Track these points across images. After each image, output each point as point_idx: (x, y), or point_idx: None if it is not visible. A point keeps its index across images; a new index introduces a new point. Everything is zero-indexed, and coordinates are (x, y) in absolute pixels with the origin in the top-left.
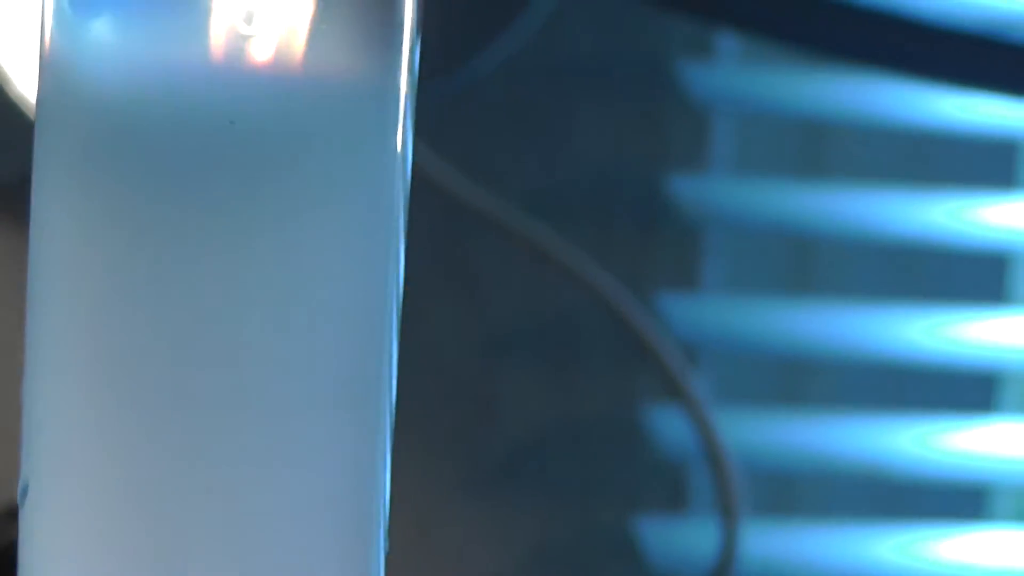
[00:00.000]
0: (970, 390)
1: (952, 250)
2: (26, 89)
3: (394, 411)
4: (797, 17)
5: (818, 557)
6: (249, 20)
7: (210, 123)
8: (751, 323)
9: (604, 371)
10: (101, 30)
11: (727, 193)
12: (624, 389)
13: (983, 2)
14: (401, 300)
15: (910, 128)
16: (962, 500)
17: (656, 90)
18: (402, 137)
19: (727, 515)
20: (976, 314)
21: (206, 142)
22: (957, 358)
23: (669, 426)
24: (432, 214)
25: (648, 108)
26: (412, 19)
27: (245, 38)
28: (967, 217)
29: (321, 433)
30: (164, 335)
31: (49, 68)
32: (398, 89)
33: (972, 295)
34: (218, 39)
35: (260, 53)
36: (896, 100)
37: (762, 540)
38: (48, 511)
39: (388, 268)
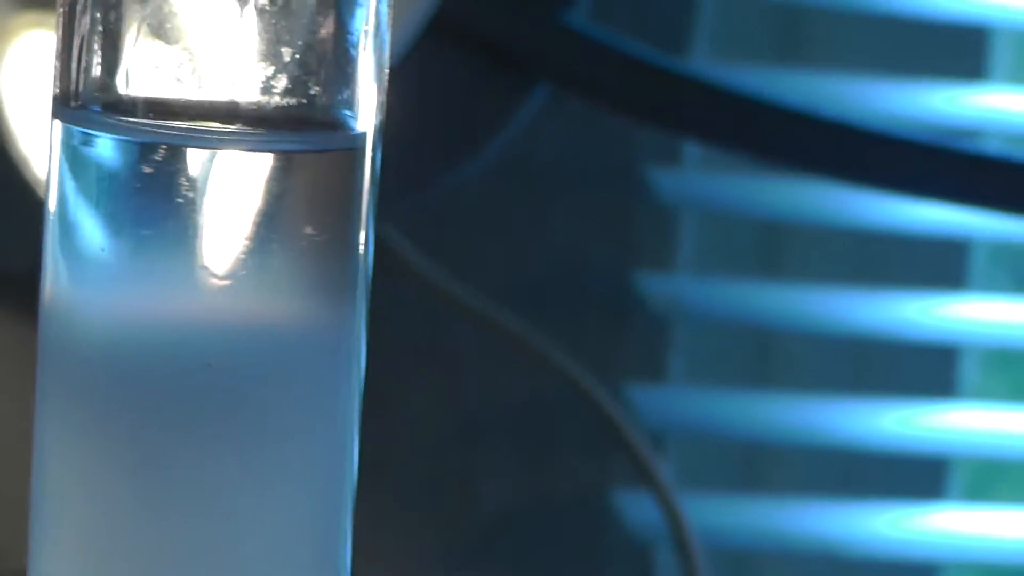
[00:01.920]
0: (921, 475)
1: (904, 344)
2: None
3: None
4: (757, 128)
5: None
6: (223, 274)
7: (191, 363)
8: (714, 412)
9: (575, 455)
10: (94, 285)
11: (692, 289)
12: (594, 473)
13: (938, 109)
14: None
15: (862, 230)
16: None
17: (625, 192)
18: (357, 364)
19: None
20: (927, 404)
21: (188, 380)
22: (907, 444)
23: (637, 508)
24: (413, 304)
25: (617, 208)
26: (364, 273)
27: (220, 292)
28: (918, 313)
29: None
30: (153, 539)
31: (49, 314)
32: (355, 328)
33: (922, 386)
34: (196, 294)
35: (232, 305)
36: (849, 204)
37: None
38: None
39: (345, 475)
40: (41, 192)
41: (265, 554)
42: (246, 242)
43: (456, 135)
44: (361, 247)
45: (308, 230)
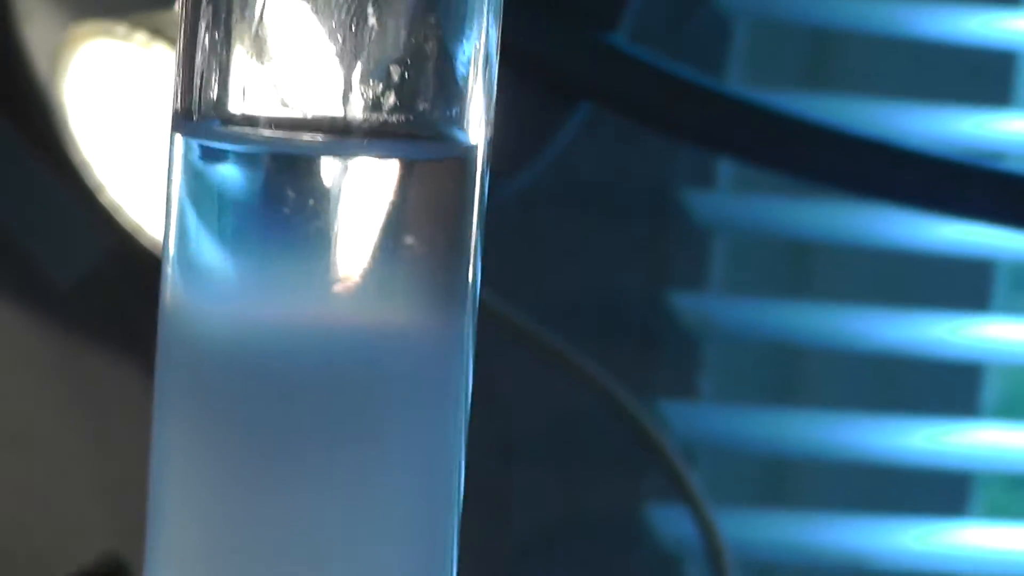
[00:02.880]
0: (946, 491)
1: (929, 362)
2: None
3: None
4: (791, 146)
5: None
6: (343, 280)
7: (304, 369)
8: (744, 428)
9: (609, 471)
10: (217, 293)
11: (723, 309)
12: (628, 488)
13: (964, 132)
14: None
15: (890, 250)
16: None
17: (659, 213)
18: (467, 369)
19: None
20: (951, 422)
21: (310, 383)
22: (932, 460)
23: (669, 523)
24: None
25: (651, 229)
26: (475, 280)
27: (339, 298)
28: (944, 332)
29: None
30: (263, 546)
31: (168, 317)
32: (466, 334)
33: (947, 405)
34: (312, 302)
35: (352, 310)
36: (877, 224)
37: None
38: None
39: (454, 478)
40: (87, 196)
41: (377, 550)
42: (366, 249)
43: (498, 154)
44: (472, 255)
45: (425, 238)
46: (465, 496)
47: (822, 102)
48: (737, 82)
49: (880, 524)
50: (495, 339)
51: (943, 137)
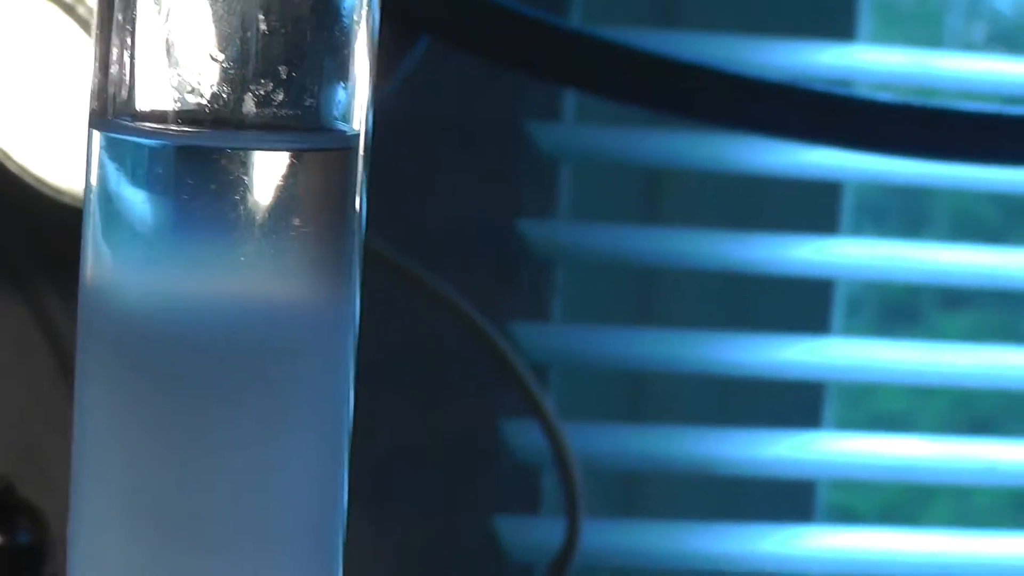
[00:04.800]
0: (798, 401)
1: (780, 281)
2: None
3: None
4: (635, 77)
5: (655, 549)
6: (241, 260)
7: (208, 340)
8: (596, 346)
9: (468, 391)
10: (129, 267)
11: (573, 235)
12: (486, 406)
13: (805, 65)
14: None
15: (736, 174)
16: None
17: (508, 145)
18: (353, 335)
19: (573, 513)
20: (803, 336)
21: (208, 353)
22: (783, 372)
23: (524, 438)
24: None
25: (501, 161)
26: (359, 256)
27: (238, 275)
28: (794, 251)
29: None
30: (174, 494)
31: (87, 295)
32: (352, 305)
33: (798, 319)
34: (214, 281)
35: (245, 287)
36: (723, 149)
37: (604, 534)
38: None
39: (342, 437)
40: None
41: (276, 498)
42: (261, 231)
43: None
44: (357, 234)
45: (314, 220)
46: None
47: (667, 39)
48: (583, 21)
49: (732, 433)
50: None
51: (789, 67)
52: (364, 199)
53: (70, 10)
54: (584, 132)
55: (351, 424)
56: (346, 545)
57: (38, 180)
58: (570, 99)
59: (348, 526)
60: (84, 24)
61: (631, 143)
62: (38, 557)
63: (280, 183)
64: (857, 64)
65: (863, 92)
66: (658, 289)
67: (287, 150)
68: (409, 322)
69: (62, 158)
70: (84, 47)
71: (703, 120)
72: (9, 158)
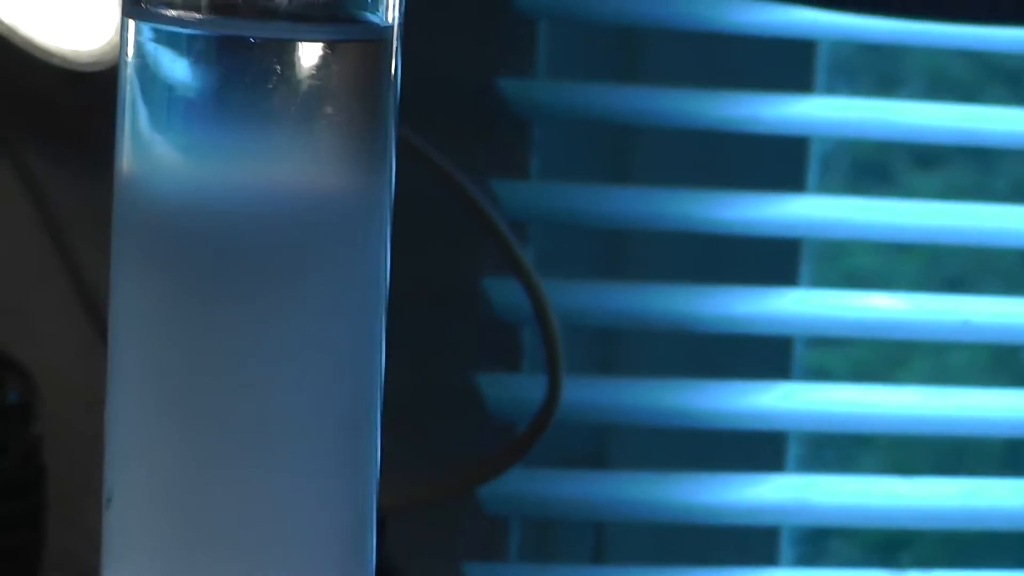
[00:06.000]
0: (772, 262)
1: (753, 137)
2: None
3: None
4: None
5: (634, 405)
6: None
7: (247, 226)
8: (573, 204)
9: (447, 248)
10: (164, 155)
11: (550, 93)
12: (467, 263)
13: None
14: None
15: (713, 33)
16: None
17: (486, 4)
18: (388, 221)
19: (554, 370)
20: (775, 196)
21: (245, 242)
22: (760, 231)
23: (506, 294)
24: None
25: (479, 19)
26: (391, 145)
27: (276, 163)
28: (769, 111)
29: (325, 447)
30: (212, 378)
31: (125, 182)
32: (385, 193)
33: (772, 179)
34: (251, 169)
35: (282, 175)
36: (700, 6)
37: (584, 391)
38: (126, 512)
39: (375, 329)
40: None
41: (310, 382)
42: (296, 121)
43: None
44: (390, 125)
45: (347, 110)
46: None
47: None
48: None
49: (709, 291)
50: None
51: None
52: (398, 90)
53: None
54: None
55: (386, 307)
56: None
57: (27, 41)
58: None
59: None
60: None
61: (607, 1)
62: (27, 416)
63: (314, 73)
64: None
65: None
66: (637, 146)
67: (322, 40)
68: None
69: (53, 19)
70: None
71: None
72: None
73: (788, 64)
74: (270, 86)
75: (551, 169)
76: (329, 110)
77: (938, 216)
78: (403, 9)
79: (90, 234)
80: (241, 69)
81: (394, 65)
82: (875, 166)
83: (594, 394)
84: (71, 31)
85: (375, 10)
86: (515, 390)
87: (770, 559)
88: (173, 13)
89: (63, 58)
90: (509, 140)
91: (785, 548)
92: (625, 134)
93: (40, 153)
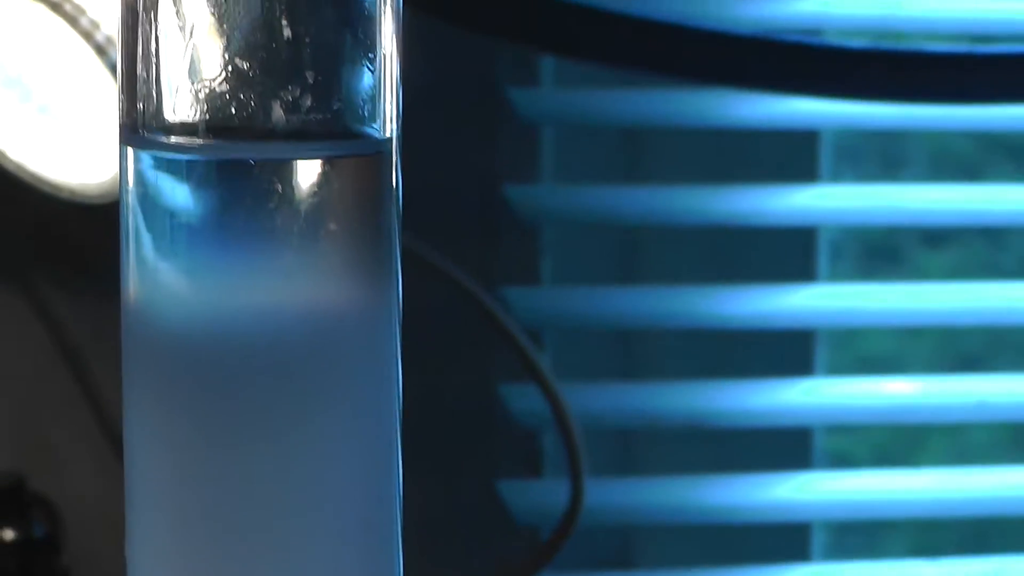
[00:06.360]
0: (789, 350)
1: (760, 232)
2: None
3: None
4: (612, 38)
5: (656, 504)
6: (283, 268)
7: (255, 350)
8: (586, 307)
9: (464, 357)
10: (169, 281)
11: (557, 198)
12: (482, 372)
13: (775, 14)
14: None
15: (714, 127)
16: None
17: (488, 112)
18: (396, 333)
19: (575, 473)
20: (788, 286)
21: (255, 364)
22: (772, 323)
23: (524, 401)
24: None
25: (483, 127)
26: (397, 259)
27: (281, 284)
28: (774, 201)
29: (345, 566)
30: (228, 505)
31: (130, 317)
32: (392, 308)
33: (781, 269)
34: (256, 292)
35: (288, 297)
36: (701, 104)
37: (606, 493)
38: None
39: (391, 443)
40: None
41: (328, 505)
42: (299, 240)
43: None
44: (393, 236)
45: (350, 226)
46: None
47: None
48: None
49: (723, 386)
50: None
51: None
52: (400, 202)
53: (73, 22)
54: (563, 96)
55: (401, 417)
56: None
57: (35, 177)
58: (547, 64)
59: None
60: (71, 20)
61: (609, 104)
62: (53, 549)
63: (315, 191)
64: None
65: (834, 40)
66: (643, 246)
67: (320, 158)
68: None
69: (59, 154)
70: (72, 44)
71: (679, 76)
72: (6, 156)
73: (792, 154)
74: (272, 206)
75: (561, 273)
76: (332, 226)
77: (949, 296)
78: (400, 120)
79: (108, 364)
80: (242, 191)
81: (395, 177)
82: (884, 249)
83: (617, 495)
84: (77, 165)
85: (373, 123)
86: (537, 495)
87: None
88: (171, 140)
89: (71, 191)
90: (518, 246)
91: None
92: (633, 233)
93: (56, 285)
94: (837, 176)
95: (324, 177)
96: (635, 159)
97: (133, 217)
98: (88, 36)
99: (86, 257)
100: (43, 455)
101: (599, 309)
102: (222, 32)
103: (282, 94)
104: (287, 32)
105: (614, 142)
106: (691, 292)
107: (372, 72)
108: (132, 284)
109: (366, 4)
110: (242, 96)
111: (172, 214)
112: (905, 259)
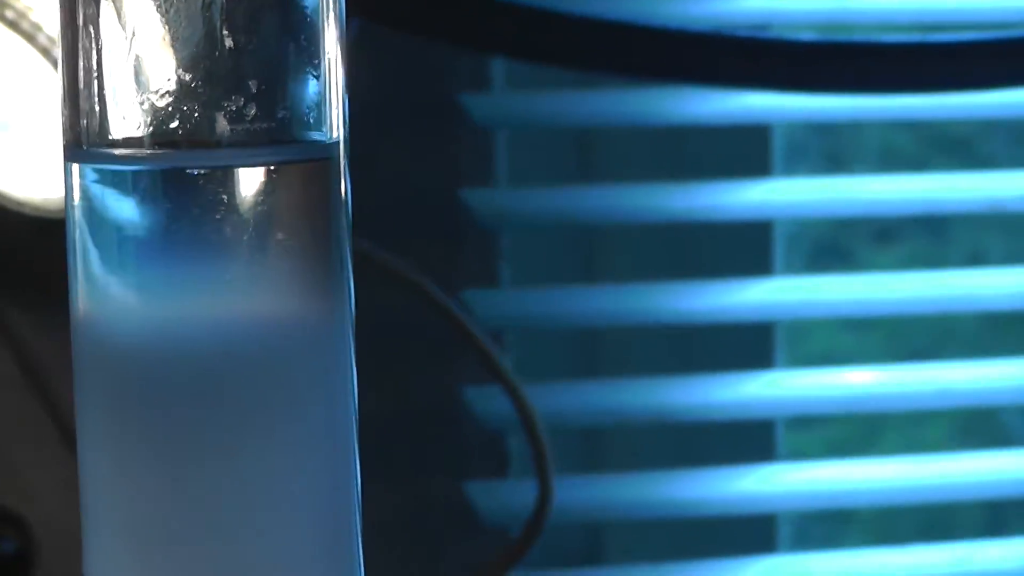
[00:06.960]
0: (747, 346)
1: (718, 227)
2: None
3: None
4: (562, 38)
5: (623, 501)
6: (231, 277)
7: (204, 361)
8: (546, 308)
9: (427, 361)
10: (118, 294)
11: (513, 201)
12: (445, 375)
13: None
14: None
15: (668, 126)
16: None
17: (443, 118)
18: (349, 340)
19: (542, 473)
20: (745, 280)
21: (206, 377)
22: (731, 316)
23: (488, 402)
24: None
25: (438, 133)
26: (348, 266)
27: (228, 293)
28: (727, 197)
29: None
30: (181, 518)
31: (80, 330)
32: (344, 316)
33: (738, 263)
34: (205, 302)
35: (236, 306)
36: (652, 102)
37: (573, 491)
38: None
39: (348, 450)
40: None
41: (284, 516)
42: (246, 249)
43: None
44: (344, 241)
45: (297, 233)
46: None
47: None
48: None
49: (687, 379)
50: None
51: (700, 15)
52: (350, 208)
53: (30, 38)
54: (515, 99)
55: (357, 425)
56: None
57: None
58: (499, 68)
59: None
60: (28, 37)
61: (563, 105)
62: (25, 564)
63: (261, 199)
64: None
65: (784, 33)
66: (601, 245)
67: (266, 165)
68: (361, 298)
69: (21, 170)
70: (30, 60)
71: (630, 75)
72: None
73: (745, 149)
74: (218, 216)
75: (521, 274)
76: (280, 235)
77: (901, 287)
78: (347, 126)
79: (70, 380)
80: (187, 202)
81: (343, 183)
82: (837, 246)
83: (584, 493)
84: (39, 181)
85: (319, 128)
86: (505, 496)
87: None
88: (116, 152)
89: (33, 207)
90: (477, 249)
91: None
92: (590, 233)
93: (15, 303)
94: (789, 171)
95: (270, 185)
96: (590, 159)
97: (80, 233)
98: (46, 52)
99: (49, 275)
100: (8, 473)
101: (559, 309)
102: (164, 44)
103: (226, 104)
104: (229, 42)
105: (568, 143)
106: (650, 289)
107: (317, 79)
108: (81, 299)
109: (308, 11)
110: (186, 107)
111: (119, 228)
112: (856, 255)
